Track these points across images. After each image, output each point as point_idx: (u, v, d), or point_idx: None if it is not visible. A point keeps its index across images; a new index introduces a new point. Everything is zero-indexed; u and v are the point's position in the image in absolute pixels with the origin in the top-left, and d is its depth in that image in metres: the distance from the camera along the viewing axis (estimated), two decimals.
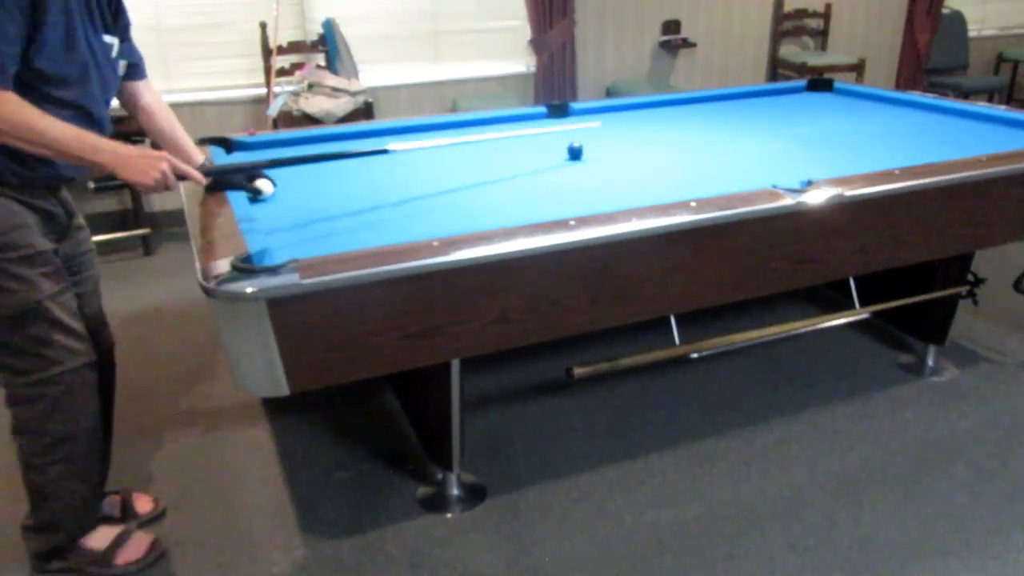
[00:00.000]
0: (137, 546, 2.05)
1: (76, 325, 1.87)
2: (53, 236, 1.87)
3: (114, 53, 1.91)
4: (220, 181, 2.14)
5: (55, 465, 1.88)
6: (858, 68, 5.27)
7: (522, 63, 5.05)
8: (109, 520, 2.12)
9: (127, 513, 2.18)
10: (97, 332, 2.08)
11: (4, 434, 1.91)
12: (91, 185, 1.82)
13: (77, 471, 1.93)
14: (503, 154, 2.65)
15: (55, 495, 1.92)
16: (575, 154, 2.54)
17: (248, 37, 4.44)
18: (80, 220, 2.03)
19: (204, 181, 1.95)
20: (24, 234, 1.78)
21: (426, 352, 1.79)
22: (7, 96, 1.65)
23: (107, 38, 1.88)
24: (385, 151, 2.33)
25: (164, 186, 1.80)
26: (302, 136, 2.87)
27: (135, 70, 2.05)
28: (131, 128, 3.79)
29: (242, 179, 2.14)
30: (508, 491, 2.28)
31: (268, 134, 2.90)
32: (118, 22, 1.94)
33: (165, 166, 1.79)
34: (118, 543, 2.03)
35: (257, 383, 1.70)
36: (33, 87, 1.69)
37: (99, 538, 2.03)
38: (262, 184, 2.18)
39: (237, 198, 2.12)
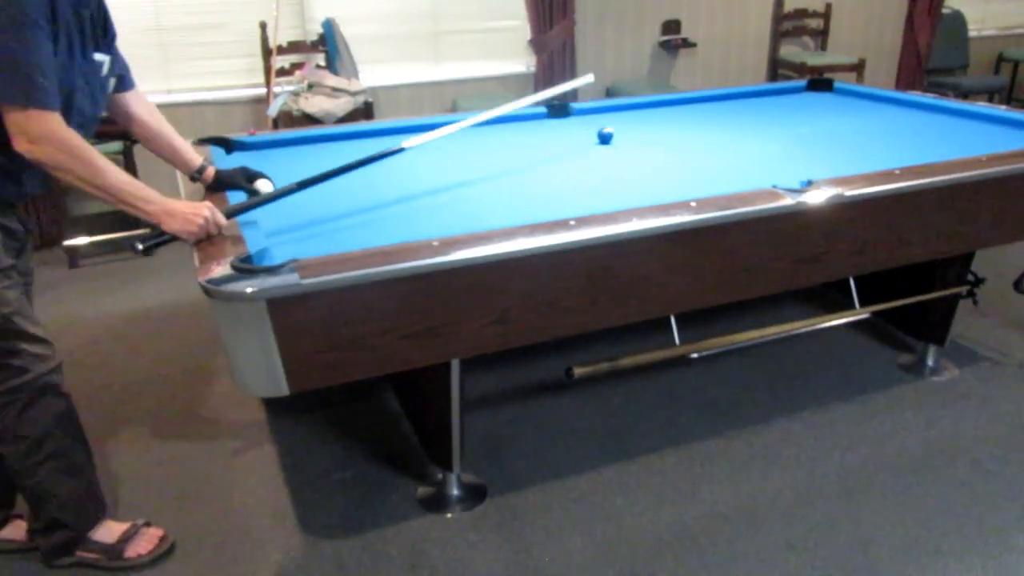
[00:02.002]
0: (147, 540, 2.06)
1: (39, 331, 1.86)
2: (13, 253, 1.86)
3: (104, 71, 1.90)
4: (222, 180, 2.14)
5: (43, 465, 1.89)
6: (858, 68, 5.27)
7: (522, 63, 5.05)
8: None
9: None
10: None
11: None
12: (139, 247, 1.80)
13: (66, 466, 1.93)
14: (503, 154, 2.65)
15: (51, 493, 1.93)
16: (605, 139, 2.72)
17: (248, 37, 4.44)
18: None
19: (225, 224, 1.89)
20: None
21: (426, 352, 1.79)
22: (61, 122, 1.65)
23: (98, 56, 1.86)
24: (401, 149, 2.27)
25: (207, 232, 1.81)
26: (302, 136, 2.87)
27: (122, 81, 2.03)
28: (118, 128, 3.79)
29: (242, 180, 2.14)
30: (508, 491, 2.28)
31: (268, 134, 2.90)
32: (107, 36, 1.93)
33: (207, 213, 1.80)
34: (127, 537, 2.04)
35: (257, 383, 1.70)
36: None
37: (107, 532, 2.04)
38: (261, 184, 2.17)
39: (237, 198, 2.12)
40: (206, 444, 2.55)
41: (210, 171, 2.15)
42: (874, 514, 2.15)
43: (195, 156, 2.16)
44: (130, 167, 4.19)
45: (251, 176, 2.15)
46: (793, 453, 2.42)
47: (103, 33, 1.90)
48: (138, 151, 4.21)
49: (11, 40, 1.58)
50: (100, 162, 1.70)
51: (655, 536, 2.09)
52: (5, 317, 1.78)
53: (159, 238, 1.81)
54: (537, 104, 2.88)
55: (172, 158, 2.15)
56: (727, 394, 2.73)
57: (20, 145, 1.64)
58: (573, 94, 5.05)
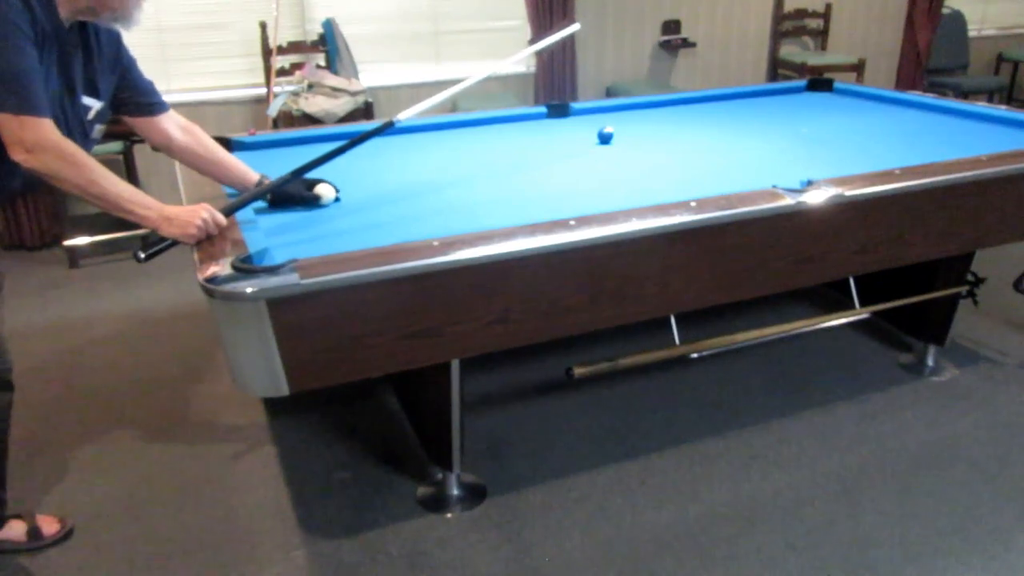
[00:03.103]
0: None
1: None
2: None
3: (90, 116, 1.88)
4: (277, 197, 2.10)
5: None
6: (858, 68, 5.27)
7: (522, 63, 5.05)
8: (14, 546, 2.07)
9: (34, 536, 2.09)
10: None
11: None
12: (141, 256, 1.78)
13: None
14: (503, 154, 2.66)
15: None
16: (605, 139, 2.71)
17: (248, 37, 4.44)
18: None
19: (224, 222, 1.87)
20: None
21: (426, 352, 1.79)
22: (55, 129, 1.63)
23: (87, 100, 1.85)
24: (392, 124, 2.23)
25: (206, 233, 1.81)
26: (302, 136, 2.87)
27: (152, 107, 2.01)
28: (126, 128, 3.79)
29: (302, 188, 2.09)
30: (508, 491, 2.28)
31: (268, 134, 2.90)
32: (126, 77, 1.92)
33: (205, 214, 1.80)
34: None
35: (257, 383, 1.70)
36: None
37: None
38: (323, 189, 2.12)
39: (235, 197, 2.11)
40: (206, 444, 2.55)
41: (267, 184, 2.11)
42: (874, 514, 2.15)
43: (249, 171, 2.13)
44: (130, 168, 4.19)
45: (310, 183, 2.11)
46: (793, 453, 2.41)
47: (120, 74, 1.89)
48: (138, 151, 4.22)
49: None
50: (97, 169, 1.70)
51: (655, 536, 2.09)
52: None
53: (159, 245, 1.80)
54: (537, 103, 2.88)
55: (221, 176, 2.13)
56: (727, 394, 2.73)
57: (17, 155, 1.63)
58: (573, 94, 5.06)
